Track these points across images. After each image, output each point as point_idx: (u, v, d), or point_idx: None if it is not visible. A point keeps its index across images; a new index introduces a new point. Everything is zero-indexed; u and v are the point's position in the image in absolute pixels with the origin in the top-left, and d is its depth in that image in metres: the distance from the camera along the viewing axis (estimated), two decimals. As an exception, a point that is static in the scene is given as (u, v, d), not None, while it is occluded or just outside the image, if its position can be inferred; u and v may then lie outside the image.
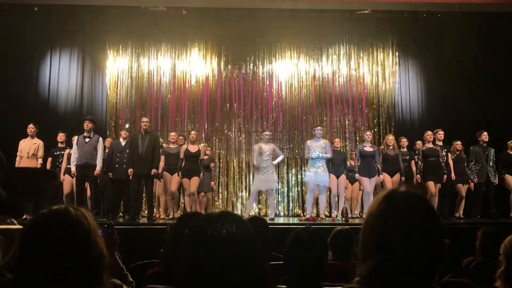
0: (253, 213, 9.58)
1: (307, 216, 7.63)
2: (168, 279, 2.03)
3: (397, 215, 1.13)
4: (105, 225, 2.19)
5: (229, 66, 10.82)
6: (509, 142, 8.27)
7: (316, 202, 8.86)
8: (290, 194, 10.50)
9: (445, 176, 7.78)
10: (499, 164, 8.18)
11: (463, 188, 8.15)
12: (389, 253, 1.10)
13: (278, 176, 10.23)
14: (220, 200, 10.31)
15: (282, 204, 10.44)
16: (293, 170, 10.51)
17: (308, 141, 7.84)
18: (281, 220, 8.85)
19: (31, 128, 7.96)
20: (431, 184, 7.69)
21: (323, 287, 2.05)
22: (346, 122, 10.78)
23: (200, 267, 1.08)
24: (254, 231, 1.17)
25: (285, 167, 10.55)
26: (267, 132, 8.09)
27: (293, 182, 10.50)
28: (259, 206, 10.22)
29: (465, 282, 1.17)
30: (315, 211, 8.87)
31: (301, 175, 10.18)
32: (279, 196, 10.40)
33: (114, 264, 2.10)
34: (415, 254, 1.09)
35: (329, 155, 7.69)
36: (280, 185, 10.33)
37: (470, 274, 2.61)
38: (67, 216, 1.22)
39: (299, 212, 10.17)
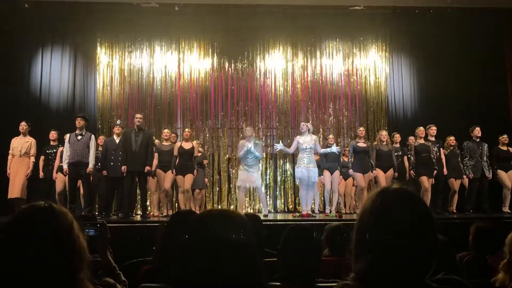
0: (246, 209, 9.60)
1: (302, 212, 7.63)
2: (161, 276, 2.02)
3: (390, 212, 1.14)
4: (98, 225, 2.17)
5: (222, 63, 10.78)
6: (500, 137, 8.33)
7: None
8: (285, 190, 10.51)
9: (436, 171, 7.82)
10: (492, 159, 8.24)
11: (456, 183, 8.19)
12: (383, 250, 1.11)
13: (275, 171, 10.31)
14: (214, 197, 10.29)
15: (278, 200, 10.45)
16: (287, 166, 10.52)
17: (298, 137, 7.82)
18: (275, 216, 8.86)
19: (23, 126, 7.90)
20: (424, 179, 7.73)
21: (317, 284, 2.04)
22: (339, 118, 10.79)
23: (197, 266, 1.07)
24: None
25: (280, 162, 10.56)
26: (248, 128, 8.04)
27: (287, 178, 10.51)
28: (253, 202, 10.23)
29: (457, 280, 1.18)
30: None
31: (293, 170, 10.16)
32: (276, 192, 10.43)
33: (107, 264, 2.09)
34: (408, 250, 1.10)
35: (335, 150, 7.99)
36: (273, 181, 10.39)
37: (464, 269, 2.62)
38: (50, 211, 1.20)
39: (292, 208, 10.19)
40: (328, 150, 7.95)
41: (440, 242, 1.16)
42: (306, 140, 7.61)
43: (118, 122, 8.55)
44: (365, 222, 1.16)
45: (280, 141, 8.72)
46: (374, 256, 1.11)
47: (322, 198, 8.96)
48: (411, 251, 1.10)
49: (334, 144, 8.37)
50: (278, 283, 1.99)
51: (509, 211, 7.99)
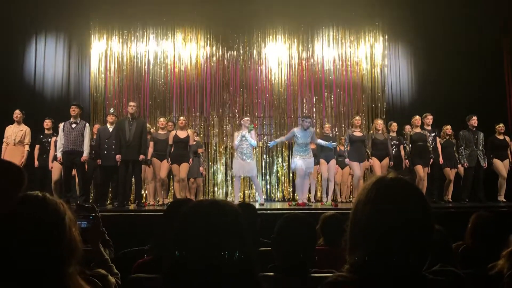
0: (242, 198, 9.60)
1: (298, 201, 7.63)
2: (158, 268, 2.00)
3: (386, 202, 1.12)
4: (91, 217, 2.15)
5: (219, 50, 10.71)
6: (497, 126, 8.32)
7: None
8: (281, 179, 10.51)
9: (431, 160, 7.83)
10: (488, 148, 8.24)
11: (451, 172, 8.21)
12: (378, 241, 1.08)
13: (272, 160, 10.30)
14: (209, 186, 10.29)
15: (274, 189, 10.46)
16: (284, 155, 10.50)
17: (295, 129, 7.76)
18: (271, 205, 8.86)
19: (17, 114, 7.84)
20: (419, 168, 7.73)
21: (311, 274, 2.03)
22: (336, 106, 10.75)
23: (188, 257, 1.06)
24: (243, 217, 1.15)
25: (275, 152, 10.56)
26: (247, 118, 8.02)
27: (284, 167, 10.50)
28: (249, 191, 10.23)
29: (454, 271, 1.16)
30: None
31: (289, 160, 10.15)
32: (273, 181, 10.44)
33: (99, 256, 2.07)
34: (404, 242, 1.08)
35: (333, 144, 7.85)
36: (269, 169, 10.41)
37: (458, 258, 2.61)
38: (42, 202, 1.18)
39: (288, 197, 10.20)
40: (324, 143, 7.85)
41: (437, 232, 1.14)
42: (303, 136, 7.56)
43: (112, 110, 8.48)
44: (360, 213, 1.14)
45: (274, 139, 8.58)
46: (369, 247, 1.09)
47: (320, 187, 8.97)
48: (408, 242, 1.08)
49: (331, 140, 8.20)
50: (272, 273, 1.97)
51: (504, 200, 8.02)
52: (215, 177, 10.40)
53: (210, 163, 10.33)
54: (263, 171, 10.42)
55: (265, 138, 10.60)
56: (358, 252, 1.11)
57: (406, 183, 1.16)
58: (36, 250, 1.10)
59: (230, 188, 10.29)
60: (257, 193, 8.27)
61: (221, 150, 10.47)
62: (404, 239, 1.08)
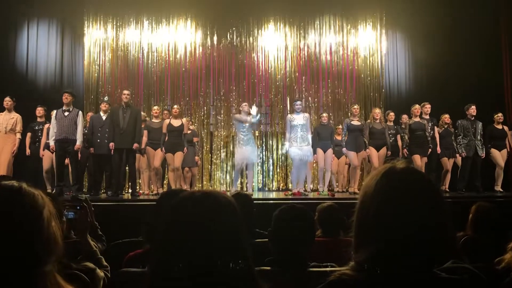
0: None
1: (294, 191, 7.56)
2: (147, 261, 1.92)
3: (398, 194, 1.01)
4: (78, 207, 2.05)
5: (214, 38, 10.56)
6: (495, 115, 8.26)
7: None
8: (277, 168, 10.44)
9: (430, 149, 7.77)
10: (486, 138, 8.18)
11: (448, 162, 8.15)
12: (388, 237, 0.99)
13: (268, 150, 10.22)
14: (204, 175, 10.20)
15: (270, 178, 10.40)
16: (280, 144, 10.42)
17: (289, 115, 7.67)
18: (267, 195, 8.80)
19: (7, 101, 7.70)
20: (417, 158, 7.68)
21: (310, 269, 1.94)
22: (334, 95, 10.65)
23: (176, 251, 0.98)
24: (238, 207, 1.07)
25: (271, 141, 10.48)
26: (245, 104, 7.91)
27: (280, 156, 10.43)
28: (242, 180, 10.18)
29: (468, 268, 1.08)
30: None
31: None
32: (270, 170, 10.37)
33: (87, 248, 1.98)
34: (417, 237, 0.98)
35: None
36: (266, 159, 10.33)
37: (461, 250, 2.55)
38: (16, 194, 1.06)
39: (284, 186, 10.15)
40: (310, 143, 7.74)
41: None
42: (298, 118, 7.47)
43: (106, 98, 8.35)
44: (368, 207, 1.03)
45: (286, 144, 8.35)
46: (377, 244, 0.99)
47: (317, 177, 8.91)
48: (421, 238, 0.98)
49: (329, 130, 8.03)
50: (269, 268, 1.89)
51: (501, 190, 7.98)
52: (210, 166, 10.32)
53: (205, 152, 10.24)
54: (259, 160, 10.34)
55: (261, 127, 10.50)
56: (365, 249, 1.01)
57: (418, 173, 1.06)
58: (7, 247, 0.99)
59: (226, 177, 10.23)
60: (247, 181, 8.12)
61: (215, 139, 10.36)
62: (416, 234, 0.98)
